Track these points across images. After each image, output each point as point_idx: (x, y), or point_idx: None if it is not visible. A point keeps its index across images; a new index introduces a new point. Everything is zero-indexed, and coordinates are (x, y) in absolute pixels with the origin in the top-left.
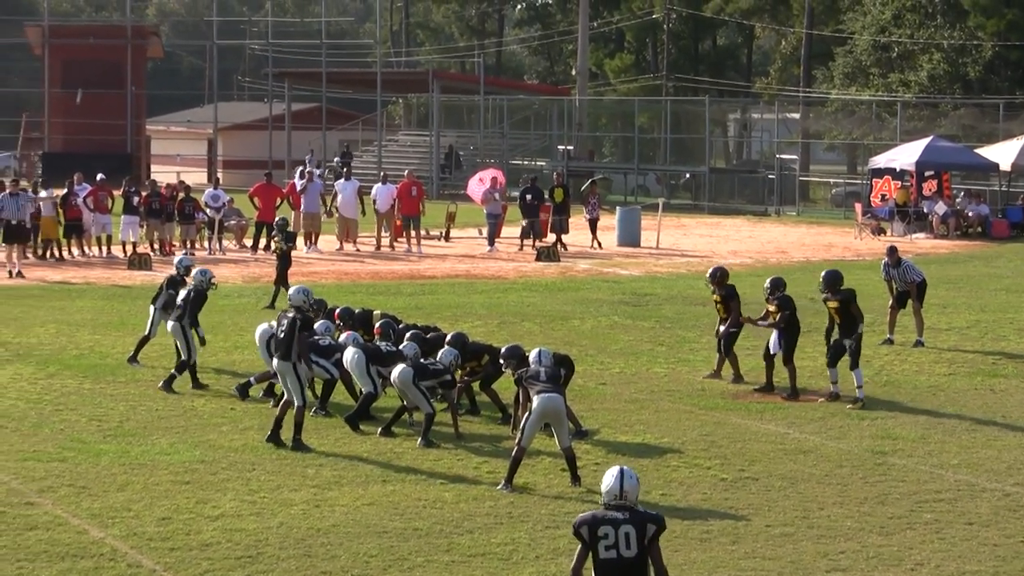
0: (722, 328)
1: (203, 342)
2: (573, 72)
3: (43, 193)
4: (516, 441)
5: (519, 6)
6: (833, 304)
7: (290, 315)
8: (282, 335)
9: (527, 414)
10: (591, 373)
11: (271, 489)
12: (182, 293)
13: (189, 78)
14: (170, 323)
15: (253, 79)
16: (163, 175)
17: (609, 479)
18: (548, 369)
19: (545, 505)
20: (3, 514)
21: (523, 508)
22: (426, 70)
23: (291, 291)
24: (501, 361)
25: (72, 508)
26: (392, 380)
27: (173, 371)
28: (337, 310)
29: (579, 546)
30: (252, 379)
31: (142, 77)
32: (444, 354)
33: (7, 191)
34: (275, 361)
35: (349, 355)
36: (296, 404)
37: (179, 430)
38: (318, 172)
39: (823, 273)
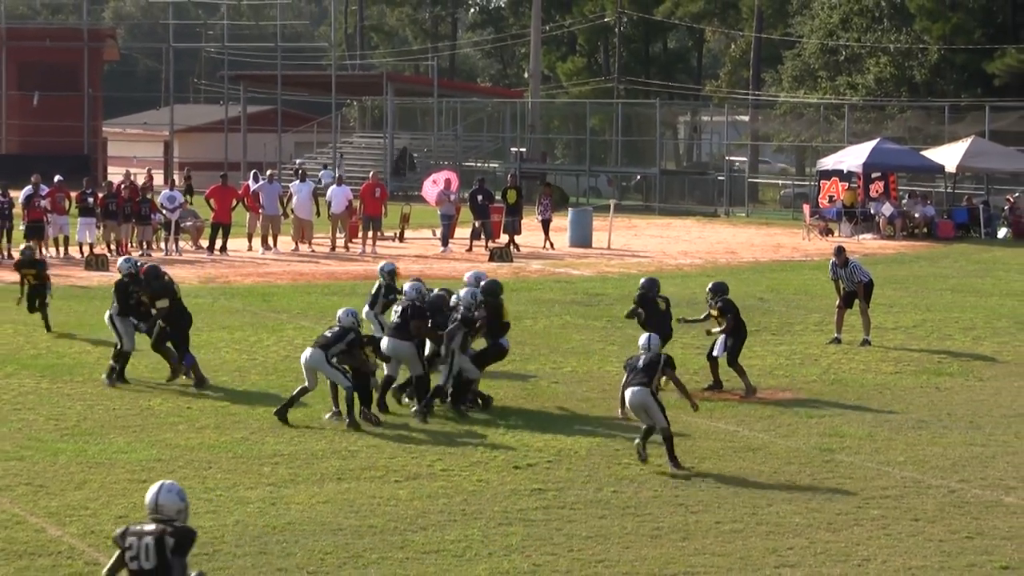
0: (720, 339)
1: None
2: (526, 75)
3: None
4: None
5: (472, 10)
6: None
7: (350, 337)
8: (330, 335)
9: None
10: (544, 372)
11: (227, 487)
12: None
13: (145, 80)
14: (107, 313)
15: (209, 82)
16: (118, 177)
17: (150, 493)
18: (646, 357)
19: (498, 502)
20: None
21: (476, 505)
22: (380, 73)
23: (340, 313)
24: None
25: (30, 506)
26: (304, 365)
27: (112, 363)
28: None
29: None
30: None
31: (98, 79)
32: (465, 294)
33: None
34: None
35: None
36: (346, 386)
37: (136, 429)
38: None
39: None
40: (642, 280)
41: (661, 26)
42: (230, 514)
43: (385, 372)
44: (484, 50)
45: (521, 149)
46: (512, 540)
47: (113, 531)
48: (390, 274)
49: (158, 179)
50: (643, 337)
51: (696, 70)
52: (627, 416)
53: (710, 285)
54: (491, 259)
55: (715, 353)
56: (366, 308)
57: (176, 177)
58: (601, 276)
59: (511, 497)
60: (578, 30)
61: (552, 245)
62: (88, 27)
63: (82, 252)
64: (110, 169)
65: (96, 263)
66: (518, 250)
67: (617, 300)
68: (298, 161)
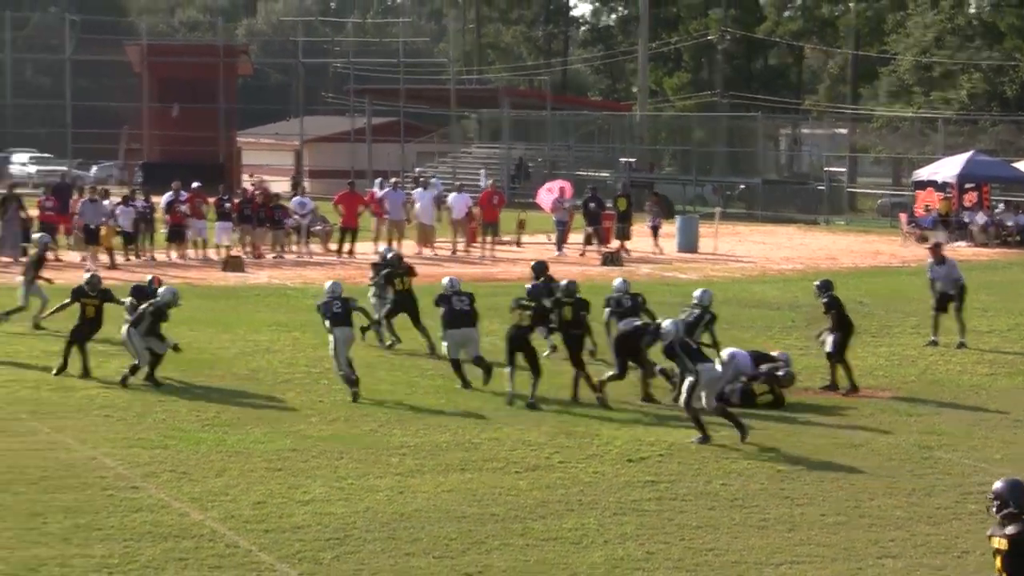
0: (829, 338)
1: (176, 348)
2: (634, 89)
3: (109, 201)
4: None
5: (583, 28)
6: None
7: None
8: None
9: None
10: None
11: (358, 476)
12: (144, 304)
13: (277, 93)
14: (124, 328)
15: (336, 95)
16: (251, 184)
17: None
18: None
19: (613, 493)
20: (111, 497)
21: (592, 496)
22: (496, 87)
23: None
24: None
25: (174, 492)
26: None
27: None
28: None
29: None
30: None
31: (233, 93)
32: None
33: (87, 198)
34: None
35: None
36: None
37: (272, 420)
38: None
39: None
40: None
41: (762, 44)
42: (360, 501)
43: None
44: (594, 66)
45: (630, 159)
46: (626, 529)
47: (251, 516)
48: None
49: (284, 187)
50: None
51: (796, 85)
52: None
53: (817, 282)
54: (603, 263)
55: (828, 349)
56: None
57: (305, 184)
58: (707, 280)
59: (625, 488)
60: (683, 47)
61: (661, 250)
62: (223, 44)
63: (219, 254)
64: (244, 177)
65: (233, 265)
66: (628, 255)
67: (722, 303)
68: (419, 170)
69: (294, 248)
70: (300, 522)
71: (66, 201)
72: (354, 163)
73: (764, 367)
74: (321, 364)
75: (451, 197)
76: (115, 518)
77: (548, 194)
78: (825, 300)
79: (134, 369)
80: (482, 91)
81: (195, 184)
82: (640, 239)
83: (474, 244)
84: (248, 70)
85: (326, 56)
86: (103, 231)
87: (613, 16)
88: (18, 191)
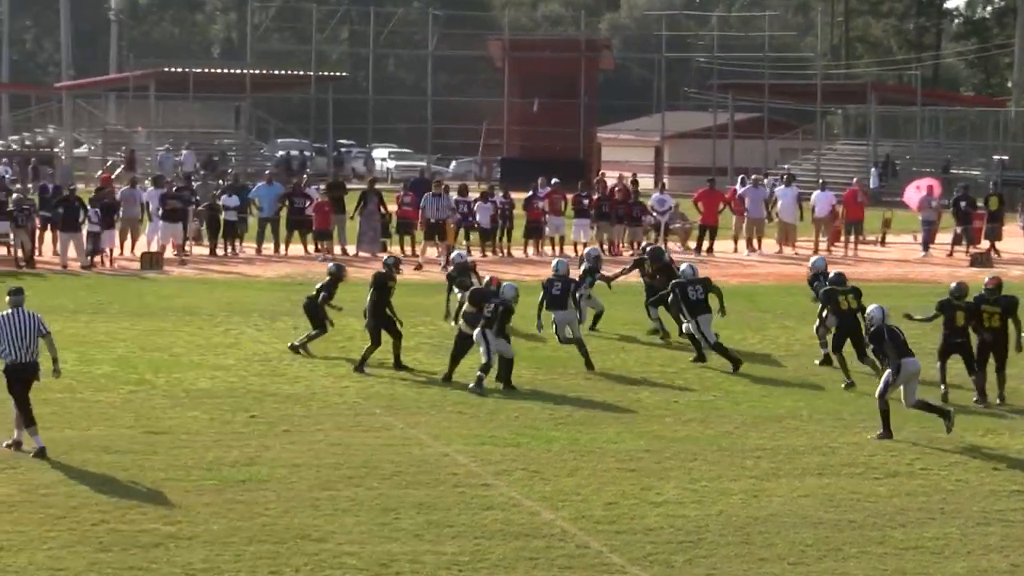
0: None
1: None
2: (1009, 84)
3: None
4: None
5: (956, 21)
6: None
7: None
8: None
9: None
10: None
11: (711, 479)
12: (491, 305)
13: (638, 89)
14: (475, 331)
15: (698, 90)
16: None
17: None
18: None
19: (977, 502)
20: (462, 494)
21: (955, 504)
22: (864, 82)
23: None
24: None
25: (525, 490)
26: None
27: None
28: None
29: None
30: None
31: (594, 88)
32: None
33: (431, 192)
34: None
35: None
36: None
37: (625, 420)
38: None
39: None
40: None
41: None
42: (714, 504)
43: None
44: (967, 60)
45: (1003, 157)
46: (990, 540)
47: (602, 516)
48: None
49: (647, 182)
50: None
51: None
52: None
53: None
54: (972, 264)
55: None
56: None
57: (665, 180)
58: None
59: (989, 498)
60: None
61: None
62: (585, 38)
63: (576, 251)
64: (606, 173)
65: None
66: (999, 256)
67: None
68: (784, 166)
69: None
70: (652, 524)
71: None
72: (715, 160)
73: None
74: (676, 364)
75: (814, 195)
76: (466, 515)
77: (916, 192)
78: None
79: (486, 368)
80: (849, 86)
81: (554, 180)
82: (1012, 239)
83: (837, 243)
84: (610, 65)
85: (689, 50)
86: (448, 225)
87: (988, 8)
88: (377, 186)
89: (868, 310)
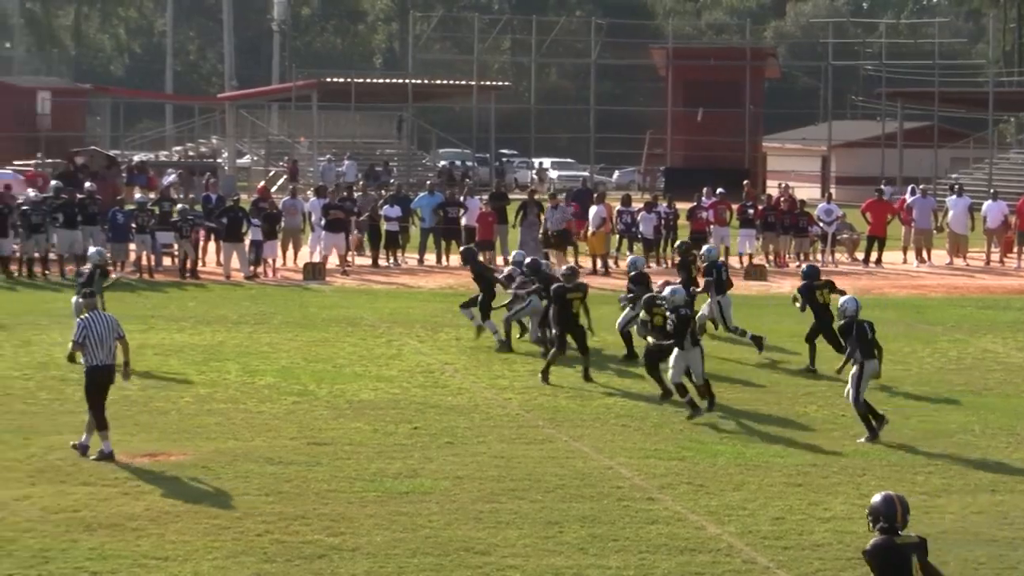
0: None
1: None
2: None
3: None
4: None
5: None
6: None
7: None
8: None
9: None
10: None
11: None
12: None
13: (804, 97)
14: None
15: (865, 98)
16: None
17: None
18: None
19: None
20: (627, 508)
21: None
22: None
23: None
24: None
25: (690, 505)
26: None
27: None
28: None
29: None
30: None
31: (759, 96)
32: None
33: (550, 204)
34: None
35: None
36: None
37: (792, 434)
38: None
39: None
40: None
41: None
42: None
43: None
44: None
45: None
46: None
47: (769, 531)
48: None
49: (813, 192)
50: None
51: None
52: None
53: None
54: None
55: None
56: None
57: (832, 191)
58: None
59: None
60: None
61: None
62: (750, 47)
63: (741, 262)
64: (769, 183)
65: (756, 273)
66: None
67: None
68: (954, 176)
69: (818, 257)
70: (820, 540)
71: (586, 206)
72: (884, 169)
73: None
74: (842, 378)
75: (986, 205)
76: (631, 529)
77: None
78: None
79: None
80: (1022, 94)
81: (720, 190)
82: None
83: (1009, 255)
84: (775, 73)
85: (856, 58)
86: (591, 234)
87: None
88: (537, 197)
89: (841, 300)
